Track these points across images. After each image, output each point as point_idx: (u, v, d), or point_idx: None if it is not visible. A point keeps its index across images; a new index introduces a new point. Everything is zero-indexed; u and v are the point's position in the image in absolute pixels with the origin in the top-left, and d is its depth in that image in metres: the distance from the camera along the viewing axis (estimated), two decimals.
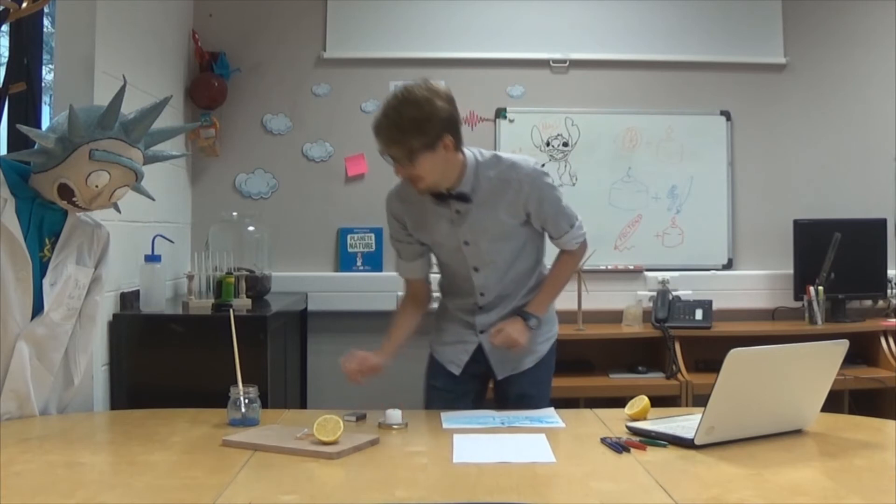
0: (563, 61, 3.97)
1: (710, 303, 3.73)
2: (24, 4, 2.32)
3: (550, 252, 2.54)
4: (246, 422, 2.02)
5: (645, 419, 2.03)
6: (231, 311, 2.25)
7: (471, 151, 2.31)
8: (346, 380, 2.27)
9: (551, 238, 2.46)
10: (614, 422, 2.04)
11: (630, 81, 4.00)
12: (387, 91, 3.81)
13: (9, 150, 2.72)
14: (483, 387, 2.51)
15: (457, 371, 2.44)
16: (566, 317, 3.74)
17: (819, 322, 3.70)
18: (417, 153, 2.14)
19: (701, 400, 2.93)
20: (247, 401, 2.04)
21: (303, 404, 3.71)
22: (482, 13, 3.95)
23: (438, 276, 2.53)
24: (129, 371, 2.82)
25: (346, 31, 3.92)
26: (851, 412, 3.34)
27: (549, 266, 2.51)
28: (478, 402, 2.47)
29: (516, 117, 3.95)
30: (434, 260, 2.49)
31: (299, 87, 3.92)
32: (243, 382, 2.07)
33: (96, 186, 2.01)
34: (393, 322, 2.45)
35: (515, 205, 2.32)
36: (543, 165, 2.61)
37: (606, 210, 3.96)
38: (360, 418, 2.09)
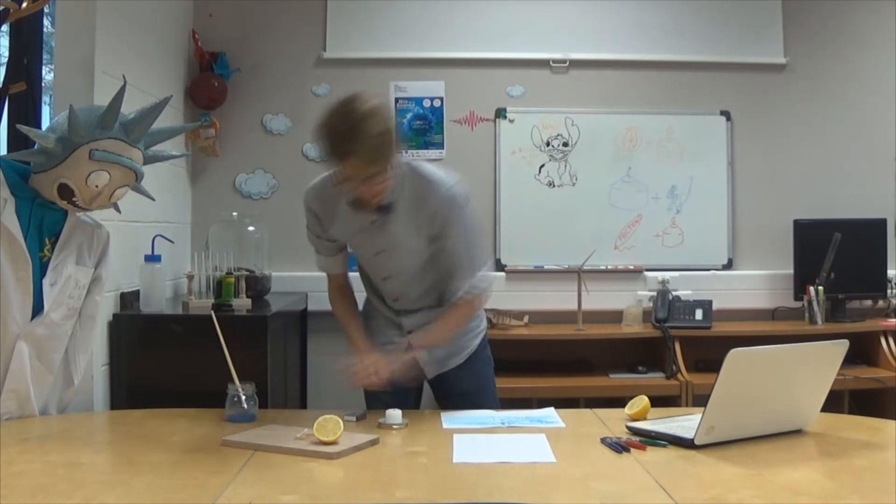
0: (563, 61, 3.97)
1: (710, 303, 3.73)
2: (24, 4, 2.32)
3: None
4: (245, 417, 2.04)
5: (645, 419, 2.03)
6: (213, 314, 2.27)
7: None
8: (352, 387, 2.23)
9: (451, 279, 2.28)
10: (614, 422, 2.04)
11: (630, 81, 4.00)
12: (387, 91, 3.89)
13: (9, 150, 2.72)
14: (421, 386, 2.48)
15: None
16: (566, 317, 3.76)
17: (819, 322, 3.70)
18: (388, 168, 2.05)
19: (701, 400, 2.93)
20: (245, 396, 2.05)
21: (303, 404, 3.71)
22: (482, 13, 3.95)
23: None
24: (129, 371, 2.82)
25: (346, 31, 3.92)
26: (851, 412, 3.34)
27: None
28: (418, 402, 2.46)
29: (516, 117, 3.95)
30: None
31: (299, 87, 3.92)
32: (241, 381, 2.08)
33: (96, 186, 2.01)
34: (346, 317, 2.39)
35: (430, 221, 2.21)
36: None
37: (606, 210, 3.96)
38: (360, 418, 2.09)
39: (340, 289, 2.43)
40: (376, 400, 2.31)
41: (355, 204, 2.17)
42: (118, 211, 2.24)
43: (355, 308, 2.44)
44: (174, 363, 2.77)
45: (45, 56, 2.99)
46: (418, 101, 3.93)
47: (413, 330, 2.36)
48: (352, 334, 2.37)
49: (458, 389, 2.39)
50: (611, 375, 3.63)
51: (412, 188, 2.20)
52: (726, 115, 4.00)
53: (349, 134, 1.98)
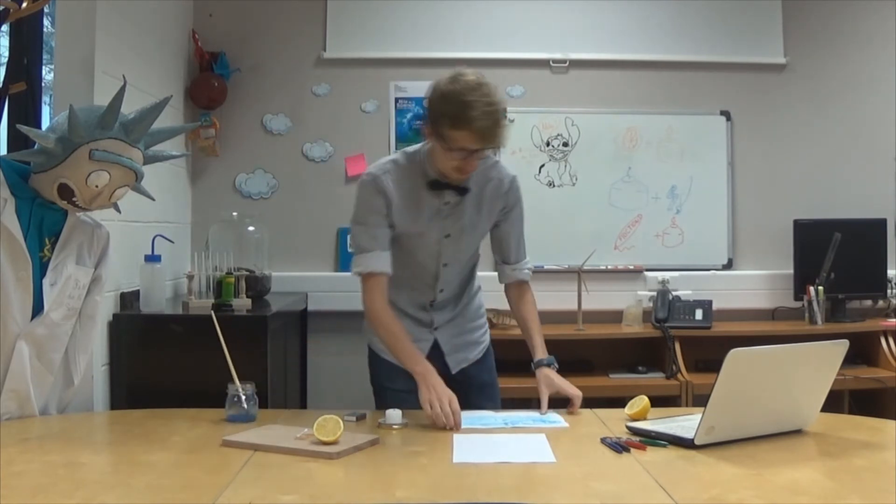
0: (563, 61, 3.97)
1: (710, 303, 3.73)
2: (24, 4, 2.32)
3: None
4: (245, 417, 2.04)
5: (645, 419, 2.03)
6: (213, 314, 2.28)
7: None
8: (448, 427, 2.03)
9: (505, 263, 2.43)
10: (614, 422, 2.04)
11: (630, 81, 4.00)
12: (387, 91, 3.89)
13: (9, 150, 2.72)
14: None
15: None
16: (566, 317, 3.75)
17: (819, 322, 3.70)
18: (499, 146, 2.17)
19: (701, 400, 2.93)
20: (245, 396, 2.06)
21: (303, 404, 3.71)
22: (482, 13, 3.95)
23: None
24: (129, 371, 2.82)
25: (346, 31, 3.92)
26: (851, 412, 3.34)
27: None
28: None
29: (516, 117, 3.95)
30: None
31: (299, 87, 3.92)
32: (241, 381, 2.08)
33: (96, 186, 2.01)
34: (401, 334, 2.24)
35: (494, 205, 2.34)
36: None
37: (606, 210, 3.96)
38: (360, 418, 2.09)
39: (384, 295, 2.26)
40: (398, 402, 2.20)
41: (435, 184, 2.23)
42: (118, 211, 2.24)
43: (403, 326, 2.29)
44: (174, 363, 2.77)
45: (45, 56, 2.99)
46: (418, 101, 3.93)
47: (440, 326, 2.40)
48: (412, 357, 2.20)
49: (477, 382, 2.45)
50: (611, 375, 3.63)
51: (480, 171, 2.27)
52: (726, 115, 4.00)
53: (479, 104, 2.05)
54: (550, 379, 2.27)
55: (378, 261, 2.25)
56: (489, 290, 2.58)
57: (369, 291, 2.26)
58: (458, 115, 2.06)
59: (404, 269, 2.33)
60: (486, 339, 2.54)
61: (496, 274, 2.50)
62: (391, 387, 2.37)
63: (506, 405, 2.47)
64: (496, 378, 2.56)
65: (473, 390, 2.40)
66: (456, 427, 2.01)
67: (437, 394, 2.07)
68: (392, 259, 2.28)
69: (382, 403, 2.36)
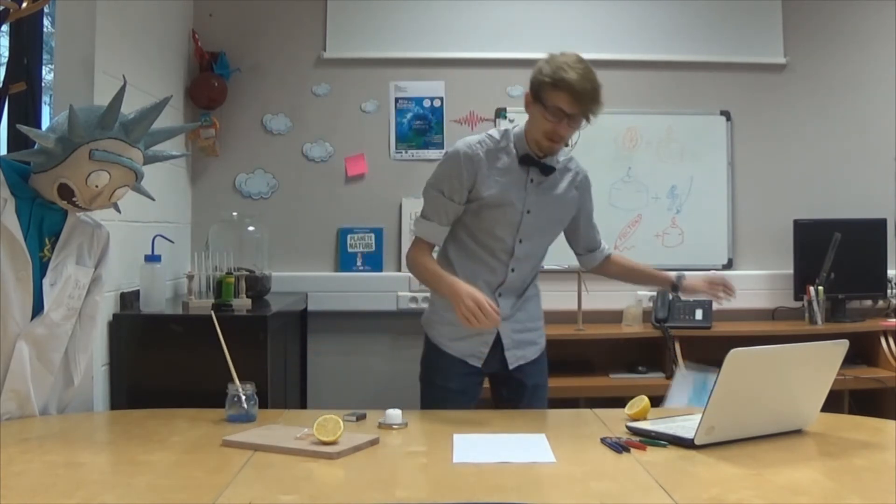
0: None
1: (709, 303, 3.72)
2: (24, 4, 2.32)
3: None
4: (245, 417, 2.04)
5: (645, 419, 2.03)
6: (213, 314, 2.29)
7: None
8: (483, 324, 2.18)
9: (592, 250, 2.64)
10: (614, 422, 2.04)
11: (630, 81, 3.99)
12: (387, 91, 3.89)
13: (9, 150, 2.72)
14: (482, 381, 2.52)
15: (479, 363, 2.43)
16: (566, 317, 3.75)
17: (819, 322, 3.70)
18: (592, 116, 2.38)
19: None
20: (245, 396, 2.06)
21: (303, 404, 3.71)
22: (482, 13, 3.95)
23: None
24: (129, 371, 2.83)
25: (346, 31, 3.92)
26: (851, 412, 3.34)
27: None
28: (477, 396, 2.49)
29: (516, 117, 3.94)
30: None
31: (299, 87, 3.92)
32: (241, 381, 2.08)
33: (96, 186, 2.01)
34: (438, 269, 2.35)
35: (570, 194, 2.48)
36: None
37: (606, 210, 3.96)
38: (360, 418, 2.09)
39: (426, 255, 2.43)
40: (453, 402, 2.36)
41: (525, 159, 2.38)
42: (118, 211, 2.24)
43: None
44: (174, 363, 2.77)
45: (45, 56, 2.99)
46: (418, 101, 3.93)
47: (503, 319, 2.37)
48: (446, 278, 2.30)
49: (532, 382, 2.49)
50: (611, 375, 3.63)
51: (562, 162, 2.48)
52: (726, 115, 4.00)
53: (579, 69, 2.29)
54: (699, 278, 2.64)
55: (433, 232, 2.41)
56: None
57: (415, 250, 2.43)
58: (559, 77, 2.25)
59: (482, 246, 2.42)
60: (543, 341, 2.58)
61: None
62: (445, 385, 2.42)
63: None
64: (547, 381, 2.60)
65: (527, 390, 2.47)
66: (496, 322, 2.17)
67: (467, 306, 2.15)
68: (471, 235, 2.42)
69: (431, 402, 2.42)
